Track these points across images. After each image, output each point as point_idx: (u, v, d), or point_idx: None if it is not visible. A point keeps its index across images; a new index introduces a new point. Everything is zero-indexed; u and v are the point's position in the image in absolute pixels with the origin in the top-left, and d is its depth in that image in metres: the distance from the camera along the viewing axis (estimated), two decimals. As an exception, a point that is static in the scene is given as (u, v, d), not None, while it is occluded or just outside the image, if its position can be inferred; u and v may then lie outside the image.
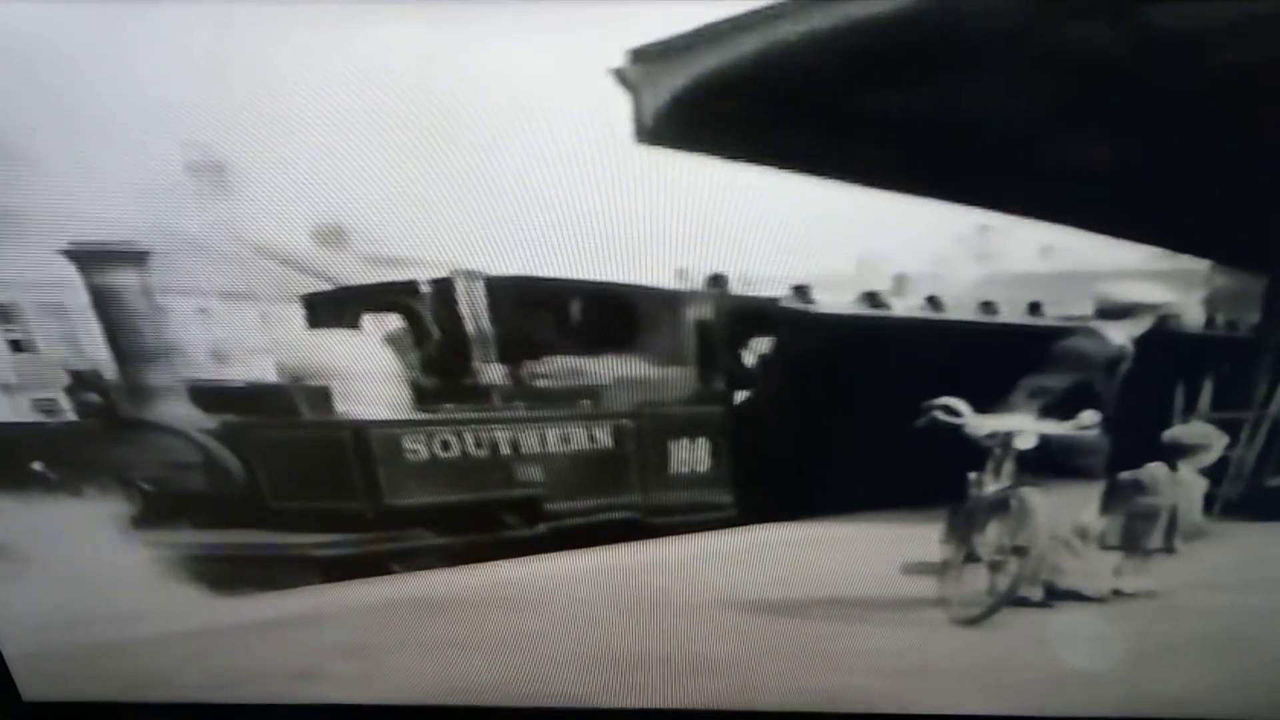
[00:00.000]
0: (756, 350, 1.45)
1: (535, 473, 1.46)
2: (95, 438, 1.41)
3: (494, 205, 1.21)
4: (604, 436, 1.47)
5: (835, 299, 1.38)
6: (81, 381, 1.38)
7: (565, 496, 1.47)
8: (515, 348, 1.42)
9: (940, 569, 1.42)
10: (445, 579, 1.48)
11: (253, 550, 1.47)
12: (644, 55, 1.14)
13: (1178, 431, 1.37)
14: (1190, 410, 1.36)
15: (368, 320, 1.45)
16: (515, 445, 1.46)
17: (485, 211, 1.22)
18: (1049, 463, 1.38)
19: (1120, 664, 1.39)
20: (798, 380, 1.44)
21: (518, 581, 1.47)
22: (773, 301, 1.36)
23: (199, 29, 1.13)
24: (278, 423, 1.43)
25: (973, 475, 1.40)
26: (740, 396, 1.46)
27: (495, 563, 1.47)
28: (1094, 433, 1.36)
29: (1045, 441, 1.37)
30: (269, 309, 1.36)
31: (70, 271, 1.32)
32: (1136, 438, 1.39)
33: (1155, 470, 1.41)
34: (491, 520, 1.47)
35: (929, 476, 1.38)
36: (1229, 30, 1.10)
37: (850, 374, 1.40)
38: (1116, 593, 1.43)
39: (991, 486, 1.40)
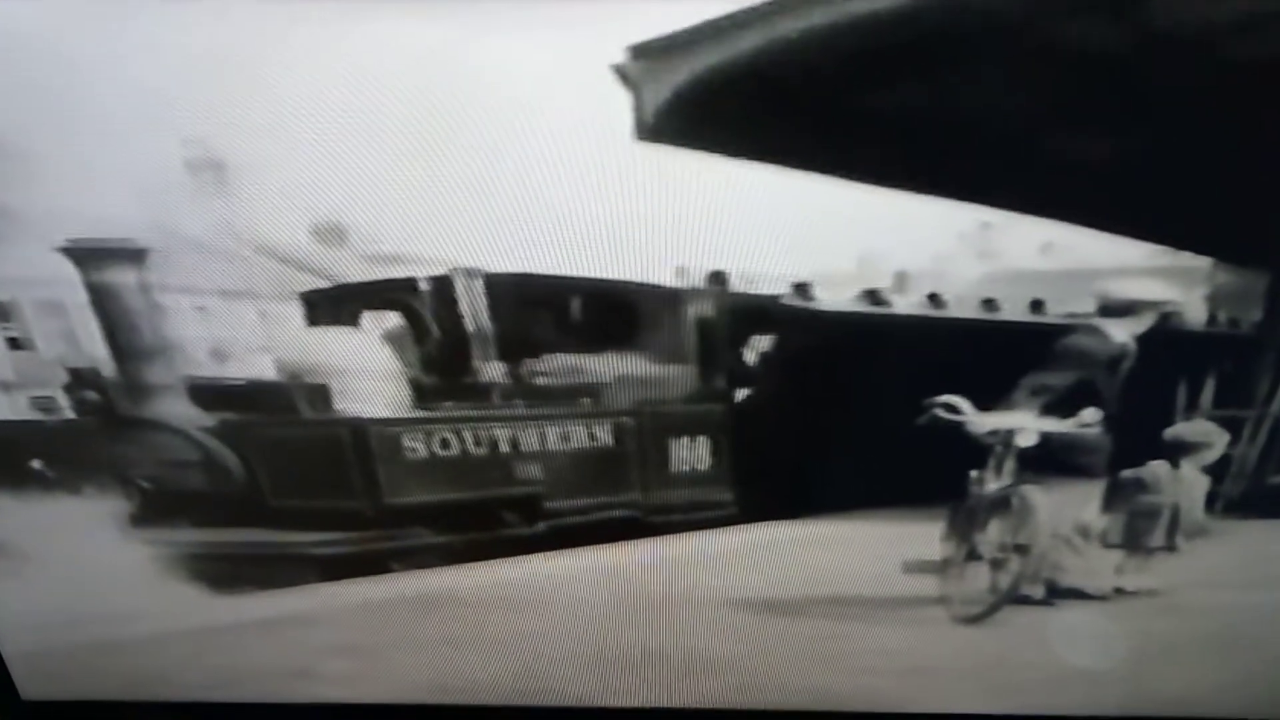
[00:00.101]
0: (757, 348, 1.45)
1: (535, 471, 1.46)
2: (94, 436, 1.40)
3: (493, 202, 1.21)
4: (604, 435, 1.47)
5: (836, 296, 1.38)
6: (80, 379, 1.38)
7: (565, 495, 1.46)
8: (515, 345, 1.42)
9: (941, 567, 1.41)
10: (444, 578, 1.48)
11: (252, 549, 1.46)
12: (645, 52, 1.14)
13: (1179, 429, 1.37)
14: (1192, 408, 1.36)
15: (367, 318, 1.45)
16: (515, 443, 1.46)
17: (485, 208, 1.22)
18: (1051, 460, 1.37)
19: (1122, 662, 1.38)
20: (798, 378, 1.44)
21: (517, 580, 1.47)
22: (774, 299, 1.36)
23: (197, 27, 1.13)
24: (277, 421, 1.43)
25: (974, 473, 1.39)
26: (741, 394, 1.46)
27: (494, 561, 1.47)
28: (1096, 430, 1.36)
29: (1047, 439, 1.36)
30: (268, 307, 1.36)
31: (68, 269, 1.32)
32: (1138, 435, 1.38)
33: (1157, 468, 1.40)
34: (491, 519, 1.47)
35: (930, 474, 1.37)
36: (1231, 26, 1.09)
37: (851, 372, 1.40)
38: (1118, 591, 1.43)
39: (993, 484, 1.40)
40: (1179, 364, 1.36)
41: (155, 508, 1.42)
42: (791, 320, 1.38)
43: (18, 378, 1.37)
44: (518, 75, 1.14)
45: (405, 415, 1.44)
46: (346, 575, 1.48)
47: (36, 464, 1.39)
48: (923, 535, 1.41)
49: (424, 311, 1.41)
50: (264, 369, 1.39)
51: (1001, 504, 1.41)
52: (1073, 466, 1.39)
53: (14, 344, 1.35)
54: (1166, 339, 1.35)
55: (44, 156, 1.21)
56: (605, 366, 1.44)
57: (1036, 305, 1.38)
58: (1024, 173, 1.25)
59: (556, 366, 1.44)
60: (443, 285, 1.37)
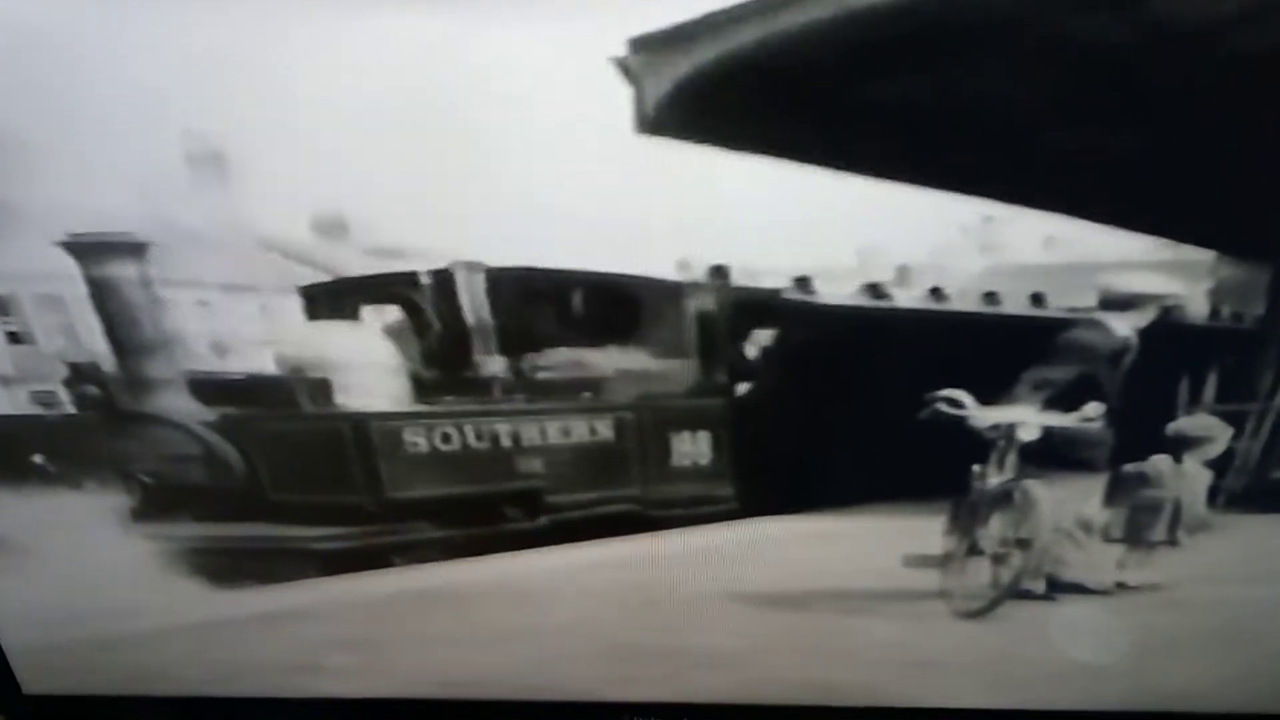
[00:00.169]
0: (758, 342, 1.44)
1: (536, 465, 1.46)
2: (94, 430, 1.40)
3: (494, 195, 1.21)
4: (605, 429, 1.47)
5: (837, 290, 1.37)
6: (80, 374, 1.38)
7: (566, 489, 1.46)
8: (516, 339, 1.42)
9: (943, 562, 1.41)
10: (446, 572, 1.48)
11: (253, 543, 1.47)
12: (645, 44, 1.13)
13: (1182, 424, 1.37)
14: (1195, 402, 1.36)
15: (367, 312, 1.44)
16: (516, 438, 1.46)
17: (485, 201, 1.21)
18: (1052, 455, 1.37)
19: (1124, 657, 1.38)
20: (800, 372, 1.44)
21: (518, 574, 1.47)
22: (775, 293, 1.36)
23: (197, 19, 1.13)
24: (278, 415, 1.43)
25: (976, 467, 1.39)
26: (742, 389, 1.45)
27: (496, 555, 1.47)
28: (1098, 425, 1.36)
29: (1049, 433, 1.36)
30: (268, 300, 1.35)
31: (69, 263, 1.32)
32: (1140, 430, 1.38)
33: (1159, 463, 1.40)
34: (492, 513, 1.47)
35: (932, 469, 1.37)
36: (1235, 17, 1.09)
37: (853, 366, 1.40)
38: (1120, 585, 1.42)
39: (994, 479, 1.39)
40: (1181, 358, 1.36)
41: (156, 502, 1.43)
42: (793, 314, 1.38)
43: (18, 372, 1.37)
44: (518, 69, 1.14)
45: (406, 409, 1.44)
46: (348, 570, 1.48)
47: (37, 459, 1.39)
48: (924, 530, 1.41)
49: (425, 305, 1.41)
50: (265, 363, 1.39)
51: (1003, 498, 1.41)
52: (1075, 461, 1.39)
53: (14, 338, 1.34)
54: (1169, 333, 1.34)
55: (43, 150, 1.21)
56: (606, 360, 1.43)
57: (1038, 299, 1.37)
58: (1026, 166, 1.25)
59: (557, 360, 1.44)
60: (443, 279, 1.37)
